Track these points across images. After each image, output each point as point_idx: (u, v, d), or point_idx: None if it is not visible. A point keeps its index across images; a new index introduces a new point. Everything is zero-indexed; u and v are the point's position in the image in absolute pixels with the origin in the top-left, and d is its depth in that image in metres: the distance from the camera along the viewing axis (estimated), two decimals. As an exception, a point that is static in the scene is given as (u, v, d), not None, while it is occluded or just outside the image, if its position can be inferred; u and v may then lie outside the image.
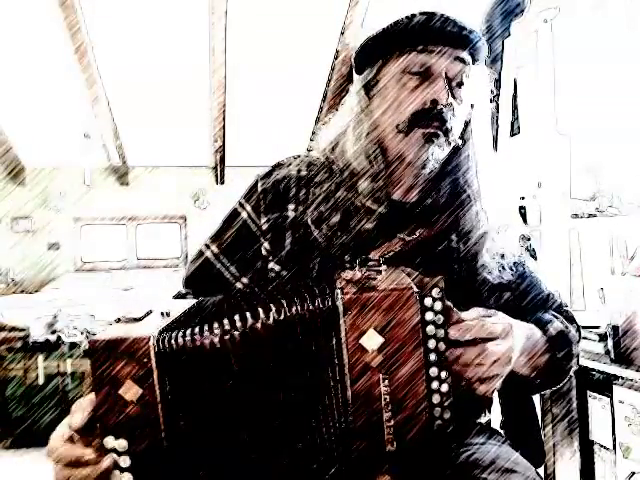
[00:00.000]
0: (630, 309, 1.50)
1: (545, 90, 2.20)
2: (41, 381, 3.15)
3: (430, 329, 0.68)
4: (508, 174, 2.38)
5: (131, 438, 0.66)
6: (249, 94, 4.84)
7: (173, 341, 0.66)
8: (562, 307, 0.96)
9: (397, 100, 0.86)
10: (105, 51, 4.36)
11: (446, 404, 0.68)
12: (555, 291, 0.98)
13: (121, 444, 0.66)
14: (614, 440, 1.55)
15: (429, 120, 0.84)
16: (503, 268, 0.90)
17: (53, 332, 3.30)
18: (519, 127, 2.41)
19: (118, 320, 0.70)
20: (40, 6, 3.79)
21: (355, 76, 0.96)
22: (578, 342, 0.93)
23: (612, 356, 1.54)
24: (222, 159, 6.02)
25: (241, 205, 0.94)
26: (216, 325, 0.67)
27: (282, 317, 0.67)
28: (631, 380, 1.47)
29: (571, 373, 0.92)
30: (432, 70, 0.85)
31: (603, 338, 1.60)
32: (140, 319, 0.71)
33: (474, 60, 0.89)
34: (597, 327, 1.69)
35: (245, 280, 0.92)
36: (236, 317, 0.68)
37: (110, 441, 0.66)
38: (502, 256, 0.91)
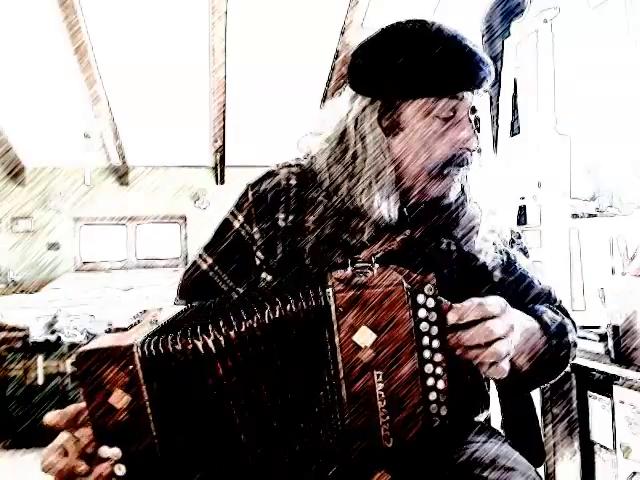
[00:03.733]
0: (630, 309, 1.49)
1: (545, 90, 2.20)
2: (41, 381, 3.15)
3: (424, 326, 0.68)
4: (508, 174, 2.39)
5: (124, 446, 0.66)
6: (249, 94, 4.85)
7: (160, 346, 0.66)
8: (556, 301, 0.96)
9: (428, 145, 0.84)
10: (105, 51, 4.36)
11: (442, 400, 0.68)
12: (547, 286, 0.97)
13: (115, 452, 0.66)
14: (614, 440, 1.54)
15: (459, 164, 0.85)
16: (496, 252, 0.90)
17: (53, 332, 3.30)
18: (519, 127, 2.40)
19: (108, 331, 0.70)
20: (40, 6, 3.79)
21: (358, 97, 0.86)
22: (574, 332, 0.92)
23: (612, 356, 1.53)
24: (222, 159, 6.03)
25: (233, 214, 0.93)
26: (206, 328, 0.67)
27: (277, 316, 0.67)
28: (631, 380, 1.47)
29: (568, 366, 0.91)
30: (458, 113, 0.84)
31: (603, 338, 1.59)
32: (127, 328, 0.71)
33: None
34: (597, 327, 1.68)
35: (240, 290, 0.92)
36: (231, 318, 0.68)
37: (104, 450, 0.66)
38: (497, 235, 0.91)
